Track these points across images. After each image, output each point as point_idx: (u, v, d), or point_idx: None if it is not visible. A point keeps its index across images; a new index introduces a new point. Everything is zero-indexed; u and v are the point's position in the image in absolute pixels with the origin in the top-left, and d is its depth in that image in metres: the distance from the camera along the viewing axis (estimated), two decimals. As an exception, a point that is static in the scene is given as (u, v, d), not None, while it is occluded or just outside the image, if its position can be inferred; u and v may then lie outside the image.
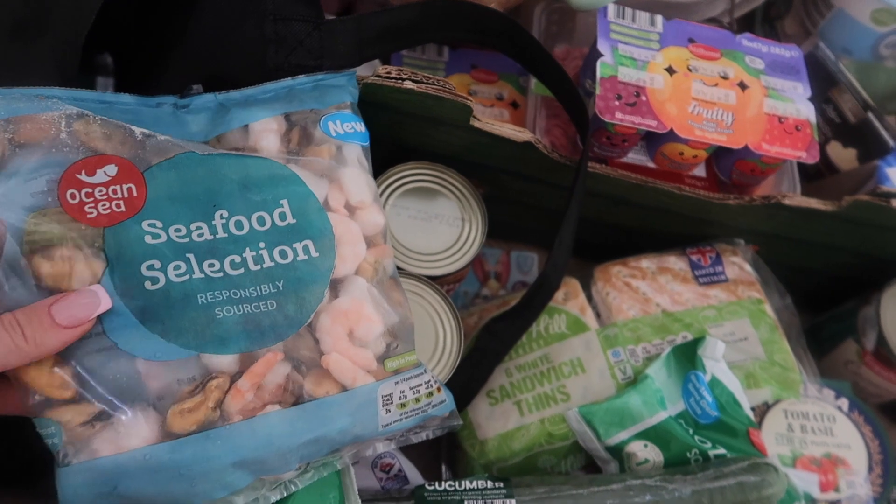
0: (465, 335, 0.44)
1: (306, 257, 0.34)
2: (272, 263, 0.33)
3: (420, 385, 0.36)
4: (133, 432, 0.29)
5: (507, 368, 0.48)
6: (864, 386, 0.57)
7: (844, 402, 0.52)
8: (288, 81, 0.38)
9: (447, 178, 0.48)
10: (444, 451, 0.51)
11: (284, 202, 0.34)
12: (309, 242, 0.34)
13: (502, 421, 0.47)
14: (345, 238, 0.36)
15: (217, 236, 0.32)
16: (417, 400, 0.36)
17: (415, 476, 0.44)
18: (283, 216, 0.34)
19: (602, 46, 0.49)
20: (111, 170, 0.31)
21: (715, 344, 0.46)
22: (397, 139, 0.48)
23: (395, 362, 0.36)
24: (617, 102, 0.47)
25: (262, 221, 0.34)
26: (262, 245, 0.33)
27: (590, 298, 0.51)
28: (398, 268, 0.43)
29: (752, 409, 0.48)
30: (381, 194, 0.47)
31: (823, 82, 0.59)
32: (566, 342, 0.48)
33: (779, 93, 0.50)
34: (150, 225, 0.31)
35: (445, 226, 0.47)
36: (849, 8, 0.60)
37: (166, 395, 0.30)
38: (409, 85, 0.42)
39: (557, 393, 0.47)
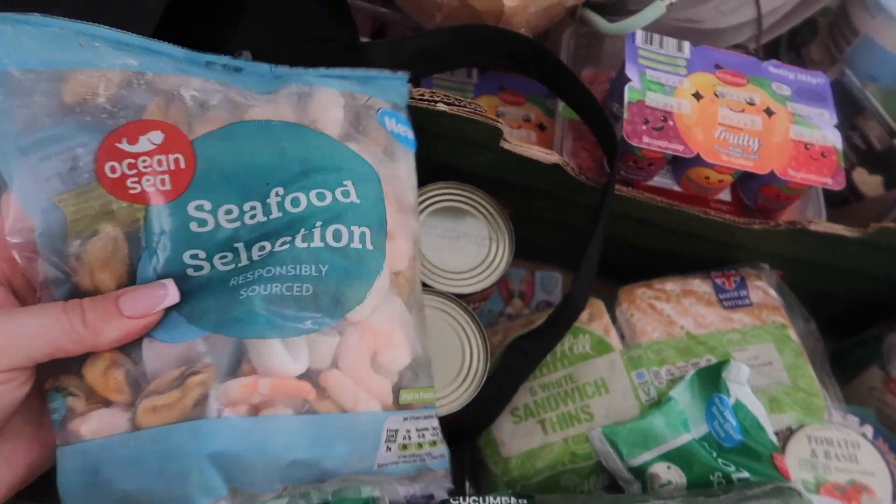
0: (491, 353, 0.45)
1: (360, 247, 0.29)
2: (321, 244, 0.29)
3: (427, 429, 0.32)
4: (120, 417, 0.26)
5: (532, 387, 0.49)
6: (889, 413, 0.56)
7: (869, 429, 0.51)
8: (342, 70, 0.34)
9: (476, 199, 0.49)
10: (467, 467, 0.51)
11: (349, 183, 0.30)
12: (367, 230, 0.30)
13: (526, 439, 0.47)
14: (397, 236, 0.32)
15: (271, 217, 0.28)
16: (420, 445, 0.32)
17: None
18: (346, 193, 0.30)
19: (630, 71, 0.50)
20: (156, 137, 0.27)
21: (739, 367, 0.46)
22: (427, 159, 0.49)
23: (409, 395, 0.32)
24: (644, 127, 0.48)
25: (321, 197, 0.29)
26: (317, 224, 0.29)
27: (614, 320, 0.51)
28: (425, 284, 0.44)
29: (776, 433, 0.48)
30: (411, 213, 0.47)
31: (849, 109, 0.59)
32: (590, 362, 0.49)
33: (805, 119, 0.51)
34: (197, 208, 0.27)
35: (473, 245, 0.48)
36: (875, 35, 0.60)
37: (155, 378, 0.27)
38: (441, 107, 0.43)
39: (581, 413, 0.47)
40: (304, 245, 0.28)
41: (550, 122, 0.60)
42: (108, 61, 0.27)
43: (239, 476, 0.27)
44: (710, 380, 0.46)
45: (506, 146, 0.46)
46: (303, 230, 0.28)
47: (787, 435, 0.50)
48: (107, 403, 0.27)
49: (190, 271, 0.27)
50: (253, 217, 0.28)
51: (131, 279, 0.27)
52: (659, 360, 0.48)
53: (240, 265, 0.28)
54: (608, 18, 0.54)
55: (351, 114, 0.33)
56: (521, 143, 0.47)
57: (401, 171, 0.34)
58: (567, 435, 0.46)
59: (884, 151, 0.59)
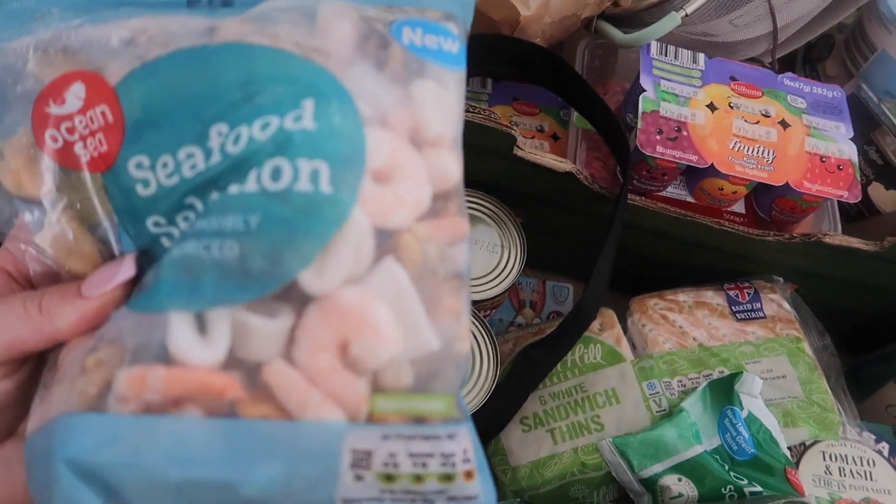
0: (501, 361, 0.45)
1: (310, 189, 0.21)
2: (255, 187, 0.22)
3: (433, 455, 0.21)
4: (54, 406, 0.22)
5: (542, 396, 0.49)
6: (905, 431, 0.55)
7: (885, 447, 0.51)
8: None
9: (488, 206, 0.49)
10: (475, 476, 0.51)
11: (308, 103, 0.22)
12: (322, 165, 0.22)
13: (535, 448, 0.47)
14: (400, 178, 0.23)
15: (210, 162, 0.22)
16: (419, 478, 0.21)
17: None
18: (298, 118, 0.22)
19: (645, 82, 0.50)
20: (79, 90, 0.23)
21: (752, 380, 0.45)
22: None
23: (393, 402, 0.22)
24: (658, 137, 0.48)
25: (265, 126, 0.22)
26: (264, 162, 0.22)
27: (625, 330, 0.51)
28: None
29: (789, 448, 0.47)
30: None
31: (865, 124, 0.59)
32: (601, 372, 0.48)
33: (821, 132, 0.50)
34: (137, 166, 0.23)
35: (485, 252, 0.48)
36: (892, 51, 0.60)
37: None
38: (455, 114, 0.43)
39: (591, 422, 0.47)
40: (235, 191, 0.22)
41: (564, 133, 0.61)
42: (61, 24, 0.23)
43: (117, 495, 0.20)
44: (723, 392, 0.46)
45: (519, 154, 0.46)
46: (253, 171, 0.22)
47: (800, 450, 0.50)
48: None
49: (164, 241, 0.23)
50: (193, 167, 0.22)
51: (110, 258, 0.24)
52: (671, 371, 0.48)
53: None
54: (623, 30, 0.54)
55: (369, 29, 0.25)
56: (534, 151, 0.47)
57: (424, 93, 0.25)
58: (577, 445, 0.46)
59: (900, 166, 0.59)
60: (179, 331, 0.21)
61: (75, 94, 0.23)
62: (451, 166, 0.25)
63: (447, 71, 0.26)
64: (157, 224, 0.23)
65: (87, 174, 0.23)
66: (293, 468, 0.21)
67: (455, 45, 0.26)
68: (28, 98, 0.23)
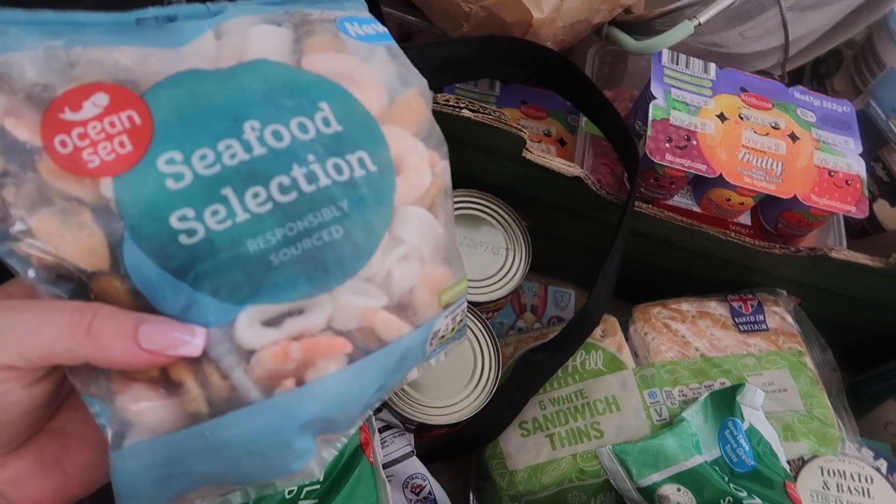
0: (502, 364, 0.44)
1: (364, 172, 0.27)
2: (329, 181, 0.27)
3: (458, 313, 0.33)
4: (183, 406, 0.24)
5: (542, 401, 0.48)
6: (903, 450, 0.55)
7: (883, 464, 0.50)
8: None
9: (494, 208, 0.49)
10: (472, 480, 0.51)
11: (324, 105, 0.28)
12: (363, 154, 0.28)
13: (534, 453, 0.46)
14: (401, 147, 0.29)
15: (254, 154, 0.26)
16: (452, 329, 0.33)
17: (444, 500, 0.44)
18: (326, 121, 0.27)
19: (655, 90, 0.50)
20: (101, 99, 0.25)
21: (754, 392, 0.45)
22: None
23: (448, 294, 0.31)
24: (667, 145, 0.48)
25: (304, 128, 0.27)
26: (311, 159, 0.27)
27: (627, 338, 0.51)
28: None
29: (788, 462, 0.47)
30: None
31: (873, 140, 0.59)
32: (602, 379, 0.48)
33: (830, 146, 0.50)
34: (168, 162, 0.25)
35: (490, 254, 0.48)
36: (901, 69, 0.60)
37: (223, 360, 0.25)
38: (466, 113, 0.43)
39: (591, 429, 0.46)
40: (313, 188, 0.26)
41: (571, 138, 0.60)
42: (28, 44, 0.25)
43: (327, 427, 0.27)
44: (724, 403, 0.46)
45: (528, 156, 0.46)
46: (302, 168, 0.26)
47: (799, 464, 0.49)
48: (163, 395, 0.24)
49: (183, 238, 0.24)
50: (233, 156, 0.25)
51: (115, 262, 0.25)
52: (672, 380, 0.48)
53: (238, 220, 0.25)
54: (634, 37, 0.54)
55: (304, 35, 0.30)
56: (542, 154, 0.46)
57: (386, 68, 0.31)
58: (576, 451, 0.46)
59: (906, 184, 0.59)
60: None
61: (95, 102, 0.25)
62: (417, 105, 0.32)
63: (387, 46, 0.32)
64: (182, 218, 0.24)
65: (95, 180, 0.24)
66: (409, 358, 0.30)
67: (378, 26, 0.33)
68: (37, 107, 0.24)
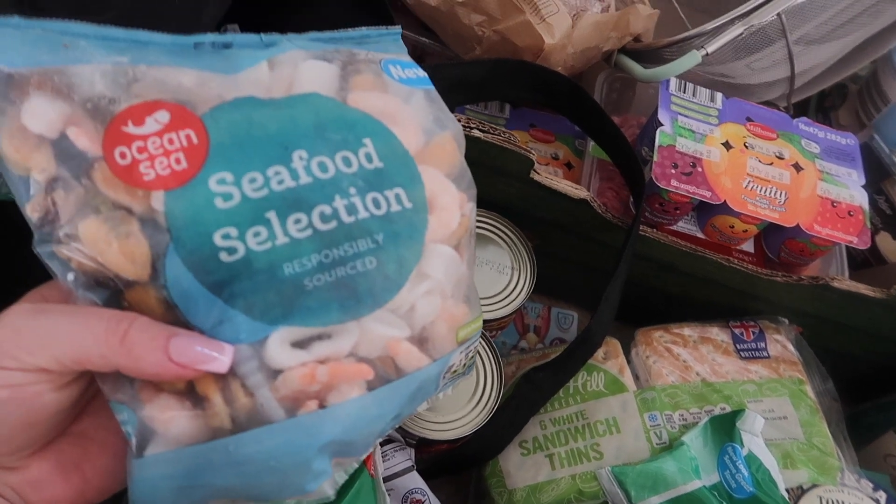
0: (504, 382, 0.45)
1: (400, 208, 0.29)
2: (367, 214, 0.28)
3: (472, 350, 0.34)
4: (208, 420, 0.25)
5: (542, 420, 0.49)
6: (903, 482, 0.55)
7: (882, 496, 0.50)
8: (334, 33, 0.33)
9: (501, 227, 0.49)
10: (471, 497, 0.51)
11: (368, 141, 0.29)
12: (400, 191, 0.29)
13: (533, 472, 0.47)
14: (434, 187, 0.31)
15: (300, 182, 0.27)
16: (464, 365, 0.34)
17: (442, 517, 0.44)
18: (368, 157, 0.29)
19: (662, 116, 0.51)
20: (162, 116, 0.26)
21: (754, 418, 0.45)
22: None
23: (465, 331, 0.32)
24: (673, 171, 0.48)
25: (347, 162, 0.28)
26: (352, 191, 0.28)
27: (629, 360, 0.51)
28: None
29: (787, 490, 0.47)
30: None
31: (876, 173, 0.60)
32: (603, 400, 0.48)
33: (833, 177, 0.51)
34: (219, 182, 0.26)
35: (496, 272, 0.48)
36: (905, 104, 0.61)
37: (250, 377, 0.25)
38: (476, 133, 0.44)
39: (591, 450, 0.47)
40: (352, 219, 0.28)
41: (578, 162, 0.61)
42: (97, 58, 0.26)
43: (344, 450, 0.28)
44: (724, 428, 0.46)
45: (536, 177, 0.46)
46: (343, 200, 0.28)
47: (798, 493, 0.49)
48: (189, 407, 0.25)
49: (223, 255, 0.25)
50: (281, 182, 0.27)
51: (155, 273, 0.26)
52: (673, 404, 0.48)
53: (277, 243, 0.26)
54: (643, 65, 0.55)
55: (350, 74, 0.31)
56: (550, 176, 0.47)
57: (424, 112, 0.33)
58: (575, 472, 0.46)
59: (909, 218, 0.59)
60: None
61: (156, 119, 0.26)
62: (447, 148, 0.33)
63: (418, 90, 0.33)
64: (226, 236, 0.25)
65: (148, 192, 0.25)
66: (423, 391, 0.31)
67: (419, 71, 0.34)
68: (101, 118, 0.25)
